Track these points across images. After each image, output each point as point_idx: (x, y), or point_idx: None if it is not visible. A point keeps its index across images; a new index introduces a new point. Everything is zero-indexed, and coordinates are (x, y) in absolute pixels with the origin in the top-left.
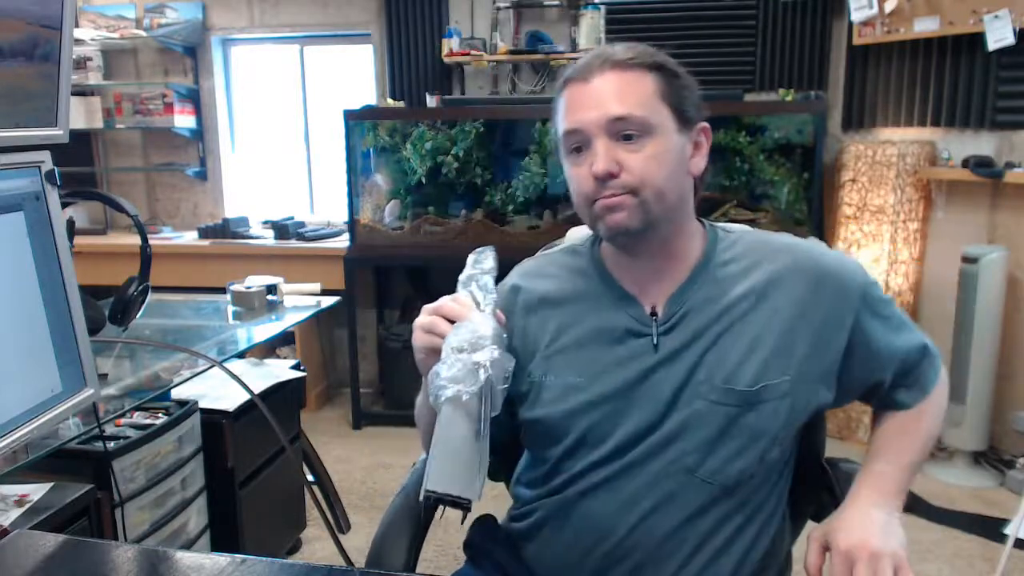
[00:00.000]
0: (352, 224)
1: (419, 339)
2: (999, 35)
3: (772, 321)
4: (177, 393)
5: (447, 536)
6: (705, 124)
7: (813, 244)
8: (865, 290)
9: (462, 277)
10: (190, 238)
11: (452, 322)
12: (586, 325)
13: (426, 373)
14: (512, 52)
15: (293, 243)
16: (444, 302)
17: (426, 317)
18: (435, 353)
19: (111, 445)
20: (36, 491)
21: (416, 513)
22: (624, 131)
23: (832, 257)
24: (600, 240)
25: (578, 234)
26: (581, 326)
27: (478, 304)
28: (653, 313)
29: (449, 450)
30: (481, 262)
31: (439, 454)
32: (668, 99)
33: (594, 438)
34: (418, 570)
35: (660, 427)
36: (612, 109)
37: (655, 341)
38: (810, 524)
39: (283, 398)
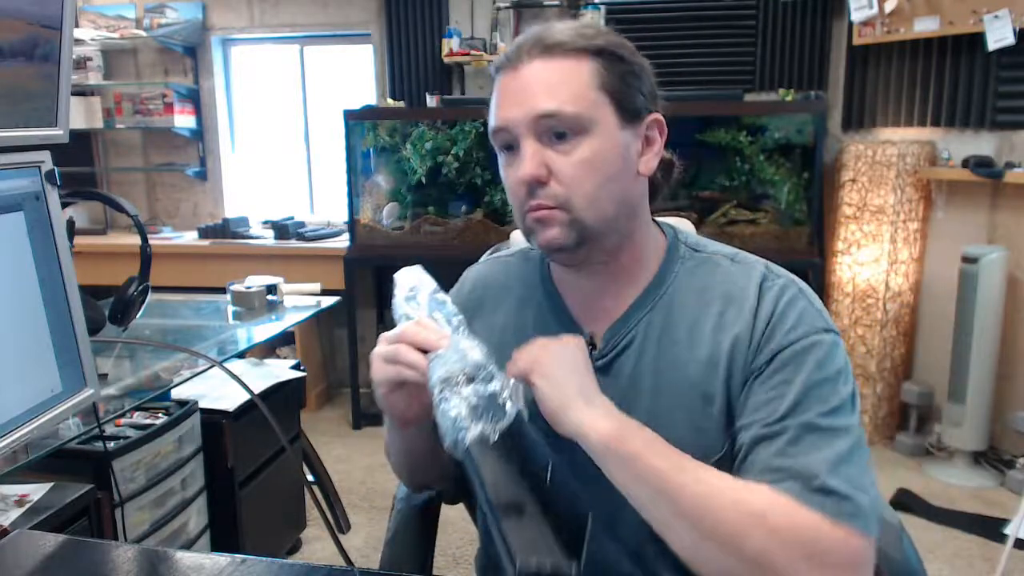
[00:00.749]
0: (352, 224)
1: (381, 371)
2: (999, 35)
3: (717, 380)
4: (177, 393)
5: (446, 536)
6: (658, 116)
7: (786, 285)
8: (812, 342)
9: (399, 299)
10: (190, 238)
11: (422, 351)
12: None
13: (390, 411)
14: None
15: (293, 243)
16: (408, 327)
17: (387, 346)
18: (400, 387)
19: (111, 445)
20: (36, 491)
21: (424, 522)
22: (554, 129)
23: (801, 307)
24: None
25: (521, 238)
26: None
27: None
28: (591, 343)
29: (510, 507)
30: (419, 282)
31: (500, 517)
32: (609, 89)
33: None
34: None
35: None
36: (540, 104)
37: None
38: None
39: (283, 398)
